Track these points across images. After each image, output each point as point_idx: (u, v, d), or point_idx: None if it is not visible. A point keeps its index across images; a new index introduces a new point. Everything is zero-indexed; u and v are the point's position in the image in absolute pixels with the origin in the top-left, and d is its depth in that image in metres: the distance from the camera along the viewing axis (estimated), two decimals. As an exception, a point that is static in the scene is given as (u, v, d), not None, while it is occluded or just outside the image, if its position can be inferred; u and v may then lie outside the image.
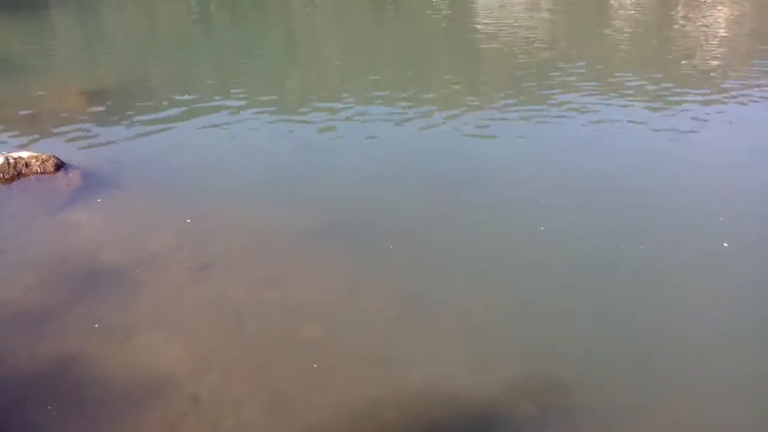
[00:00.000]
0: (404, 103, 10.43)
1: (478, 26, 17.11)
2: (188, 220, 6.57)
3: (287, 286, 5.57)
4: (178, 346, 4.86)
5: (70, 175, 7.50)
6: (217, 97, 10.83)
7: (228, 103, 10.51)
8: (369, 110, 10.19)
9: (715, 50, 14.60)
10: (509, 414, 4.25)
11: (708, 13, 18.55)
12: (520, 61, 13.29)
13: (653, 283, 5.57)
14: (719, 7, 19.41)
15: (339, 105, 10.43)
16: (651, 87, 11.35)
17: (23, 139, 8.80)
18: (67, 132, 9.07)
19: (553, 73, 12.19)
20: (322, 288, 5.55)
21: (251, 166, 8.02)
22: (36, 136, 8.93)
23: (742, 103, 10.48)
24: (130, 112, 9.94)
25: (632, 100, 10.58)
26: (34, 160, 7.52)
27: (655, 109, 10.17)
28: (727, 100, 10.60)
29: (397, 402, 4.32)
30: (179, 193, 7.28)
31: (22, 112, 9.85)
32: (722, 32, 16.30)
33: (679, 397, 4.37)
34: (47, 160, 7.55)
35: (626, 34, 16.39)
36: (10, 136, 8.94)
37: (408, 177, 7.64)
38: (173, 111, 10.17)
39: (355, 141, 8.94)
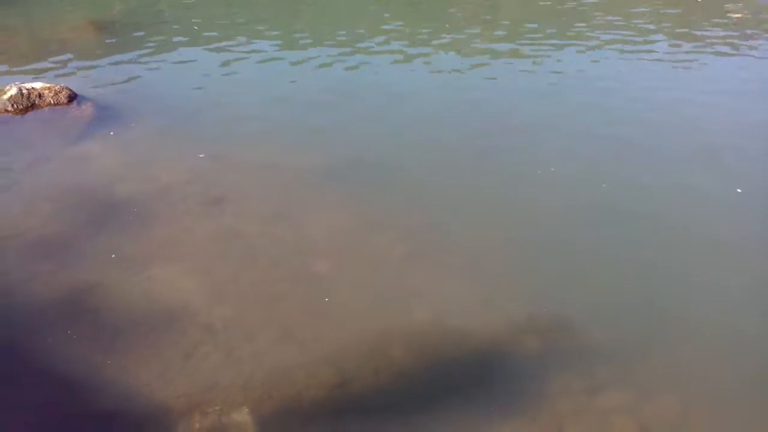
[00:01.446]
0: (416, 47, 10.19)
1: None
2: (201, 155, 6.59)
3: (298, 222, 5.62)
4: (192, 277, 4.97)
5: (83, 107, 7.49)
6: (232, 32, 10.62)
7: (244, 38, 10.31)
8: (382, 52, 9.97)
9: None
10: (514, 350, 4.35)
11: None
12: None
13: (659, 224, 5.56)
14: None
15: (354, 45, 10.20)
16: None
17: (36, 70, 8.75)
18: (80, 63, 9.00)
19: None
20: (333, 224, 5.59)
21: (265, 104, 7.94)
22: (49, 67, 8.87)
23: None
24: (144, 44, 9.81)
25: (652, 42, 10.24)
26: (47, 92, 7.50)
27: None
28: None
29: (404, 336, 4.42)
30: (192, 128, 7.26)
31: (33, 43, 9.76)
32: None
33: (682, 336, 4.43)
34: (60, 92, 7.53)
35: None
36: (22, 68, 8.89)
37: (418, 120, 7.53)
38: (188, 44, 10.02)
39: (368, 83, 8.78)
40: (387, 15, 11.82)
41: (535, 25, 11.07)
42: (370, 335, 4.43)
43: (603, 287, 4.88)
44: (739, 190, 6.00)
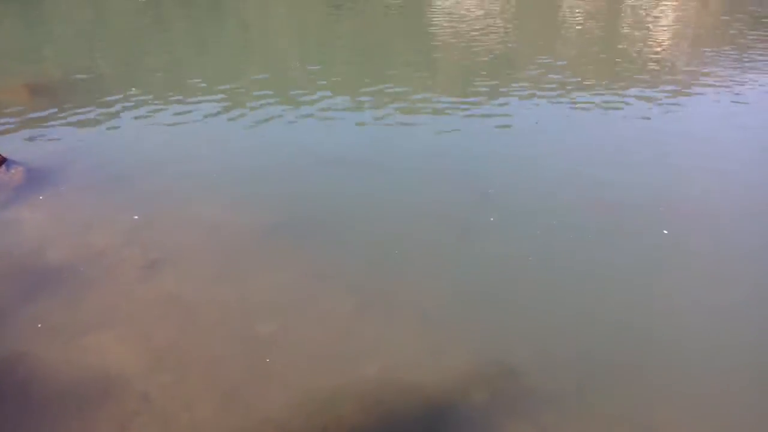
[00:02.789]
0: (360, 97, 10.41)
1: (435, 20, 17.21)
2: (136, 217, 6.42)
3: (241, 282, 5.51)
4: (128, 344, 4.75)
5: (13, 171, 7.22)
6: (165, 92, 10.59)
7: (177, 97, 10.30)
8: (324, 104, 10.12)
9: (660, 44, 15.07)
10: (463, 400, 4.31)
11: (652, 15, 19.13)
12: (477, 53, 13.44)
13: (597, 271, 5.74)
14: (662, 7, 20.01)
15: (293, 100, 10.34)
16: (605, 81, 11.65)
17: (-38, 135, 8.43)
18: (10, 127, 8.74)
19: (506, 68, 12.38)
20: (277, 283, 5.50)
21: (201, 162, 7.86)
22: (-25, 131, 8.57)
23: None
24: (76, 106, 9.63)
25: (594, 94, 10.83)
26: (-28, 157, 7.21)
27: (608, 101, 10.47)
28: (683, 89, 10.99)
29: (353, 394, 4.33)
30: (126, 190, 7.09)
31: (-40, 107, 9.44)
32: (667, 28, 16.82)
33: (618, 380, 4.52)
34: (-13, 156, 7.25)
35: (578, 32, 16.75)
36: (-53, 132, 8.55)
37: (362, 171, 7.63)
38: (120, 105, 9.90)
39: (310, 135, 8.88)
40: (326, 72, 12.06)
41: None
42: (317, 394, 4.32)
43: (545, 336, 4.95)
44: (665, 232, 6.29)
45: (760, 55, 13.62)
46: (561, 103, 10.34)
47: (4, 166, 7.27)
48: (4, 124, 8.83)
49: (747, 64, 12.79)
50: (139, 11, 18.44)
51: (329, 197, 6.99)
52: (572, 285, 5.53)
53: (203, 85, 11.09)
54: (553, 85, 11.15)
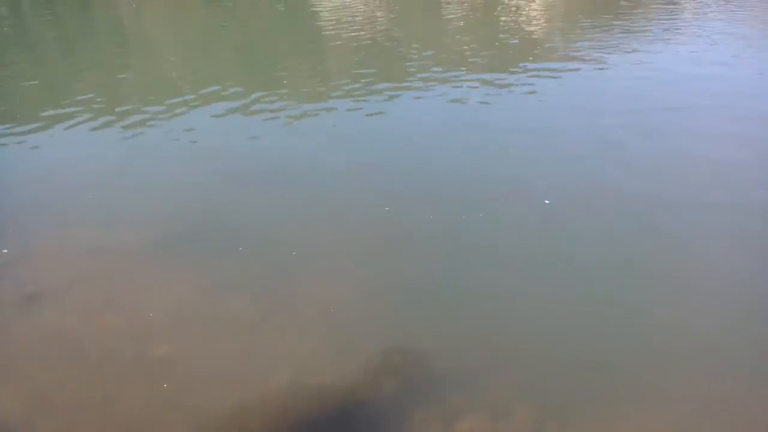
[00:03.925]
0: (243, 100, 10.11)
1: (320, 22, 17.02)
2: (5, 250, 5.87)
3: (132, 305, 5.17)
4: (8, 388, 4.34)
5: None
6: (34, 106, 9.77)
7: (47, 113, 9.53)
8: (204, 110, 9.74)
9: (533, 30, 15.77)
10: (373, 393, 4.28)
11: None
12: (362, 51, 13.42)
13: (492, 257, 5.89)
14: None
15: (173, 108, 9.86)
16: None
17: None
18: None
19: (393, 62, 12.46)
20: (170, 302, 5.21)
21: (75, 183, 7.29)
22: None
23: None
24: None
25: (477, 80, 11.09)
26: None
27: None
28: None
29: (262, 405, 4.18)
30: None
31: None
32: (537, 15, 17.61)
33: (524, 359, 4.62)
34: None
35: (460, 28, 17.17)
36: None
37: (246, 177, 7.39)
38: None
39: (189, 143, 8.49)
40: (210, 76, 11.60)
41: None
42: (224, 412, 4.13)
43: (445, 319, 5.00)
44: (546, 202, 6.55)
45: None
46: (440, 95, 10.54)
47: None
48: None
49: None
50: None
51: (218, 207, 6.70)
52: (465, 266, 5.63)
53: (72, 97, 10.33)
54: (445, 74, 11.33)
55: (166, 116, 9.42)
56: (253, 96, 10.20)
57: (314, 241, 6.02)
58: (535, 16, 16.66)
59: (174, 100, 10.12)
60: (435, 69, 11.55)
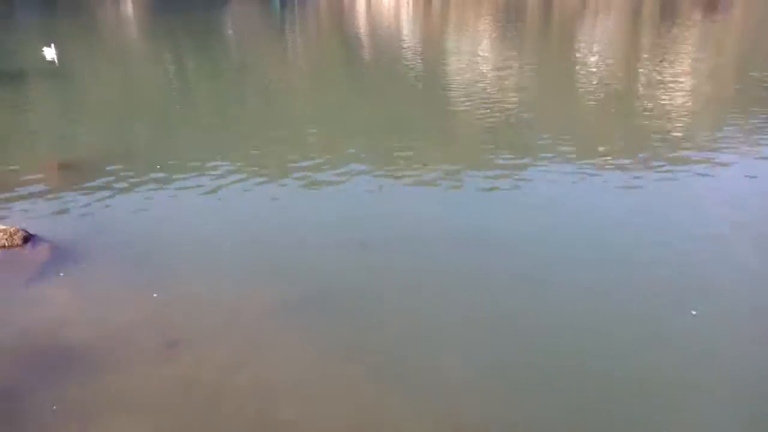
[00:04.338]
0: (379, 169, 10.52)
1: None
2: (155, 295, 6.44)
3: (260, 365, 5.43)
4: (144, 430, 4.65)
5: (39, 248, 7.35)
6: (188, 169, 10.79)
7: (206, 178, 10.48)
8: (339, 175, 10.25)
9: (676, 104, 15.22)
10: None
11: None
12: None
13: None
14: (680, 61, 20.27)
15: (312, 172, 10.47)
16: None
17: (-5, 211, 8.65)
18: (39, 204, 8.93)
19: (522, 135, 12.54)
20: (296, 365, 5.42)
21: (221, 239, 7.91)
22: (7, 208, 8.78)
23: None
24: (103, 183, 9.85)
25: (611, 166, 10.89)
26: (1, 234, 7.37)
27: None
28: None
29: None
30: (147, 267, 7.13)
31: (-2, 185, 9.72)
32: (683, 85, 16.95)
33: None
34: (15, 234, 7.41)
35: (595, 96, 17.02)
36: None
37: (379, 244, 7.65)
38: (144, 182, 10.11)
39: (327, 209, 8.95)
40: (353, 150, 12.27)
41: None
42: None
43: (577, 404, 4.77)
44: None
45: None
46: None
47: (30, 243, 7.40)
48: (33, 201, 9.04)
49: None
50: (168, 86, 19.15)
51: (345, 273, 6.98)
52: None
53: (224, 160, 11.32)
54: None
55: (319, 177, 9.99)
56: (384, 160, 10.62)
57: (440, 315, 6.11)
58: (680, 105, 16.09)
59: (311, 170, 10.77)
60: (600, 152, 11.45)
